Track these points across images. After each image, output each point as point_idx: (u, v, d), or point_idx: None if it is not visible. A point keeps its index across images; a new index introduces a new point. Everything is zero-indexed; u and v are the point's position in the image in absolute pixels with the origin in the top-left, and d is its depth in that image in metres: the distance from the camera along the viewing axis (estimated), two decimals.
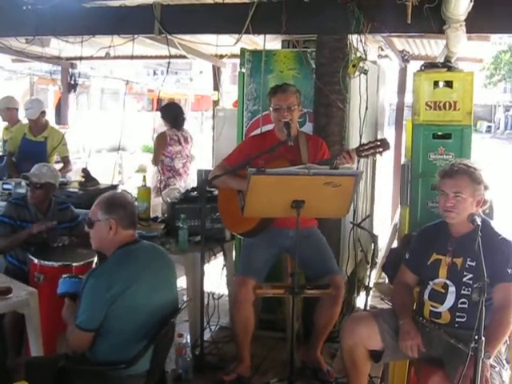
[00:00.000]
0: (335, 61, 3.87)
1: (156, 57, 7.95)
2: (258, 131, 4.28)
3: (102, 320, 2.48)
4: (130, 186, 6.91)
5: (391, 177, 7.12)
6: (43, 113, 5.56)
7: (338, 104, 3.91)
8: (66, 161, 5.59)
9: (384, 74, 5.72)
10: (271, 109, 3.53)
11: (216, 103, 8.31)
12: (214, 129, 8.14)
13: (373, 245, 3.93)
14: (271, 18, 3.95)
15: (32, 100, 5.86)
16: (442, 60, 4.18)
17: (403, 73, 7.00)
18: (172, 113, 5.95)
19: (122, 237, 2.66)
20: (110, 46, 4.70)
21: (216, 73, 8.27)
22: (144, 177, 4.47)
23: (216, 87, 8.35)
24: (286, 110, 3.46)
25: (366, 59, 3.87)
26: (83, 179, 4.68)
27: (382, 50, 6.04)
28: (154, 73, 27.47)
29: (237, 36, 4.27)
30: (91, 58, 6.40)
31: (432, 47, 6.25)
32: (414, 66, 6.59)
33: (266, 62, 4.31)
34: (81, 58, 5.75)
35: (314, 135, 3.79)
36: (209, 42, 5.02)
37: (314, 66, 4.13)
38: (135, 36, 4.47)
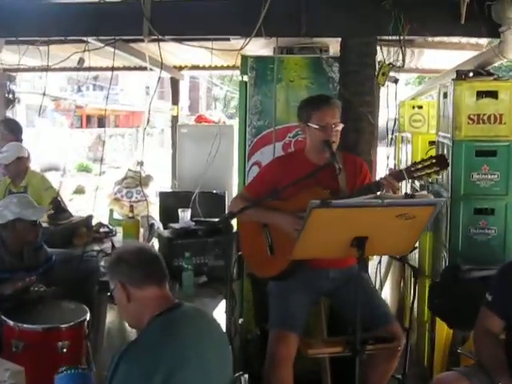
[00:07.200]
0: (365, 68, 3.32)
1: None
2: (269, 148, 3.69)
3: None
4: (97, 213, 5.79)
5: None
6: (20, 159, 4.52)
7: (369, 118, 3.36)
8: (56, 205, 4.30)
9: None
10: (313, 126, 2.88)
11: (175, 119, 7.62)
12: (174, 147, 7.46)
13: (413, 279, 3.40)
14: (288, 18, 3.35)
15: (11, 144, 4.73)
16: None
17: None
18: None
19: (145, 302, 1.95)
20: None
21: (175, 85, 7.58)
22: (131, 206, 3.71)
23: (175, 101, 7.65)
24: (333, 129, 2.86)
25: (403, 66, 3.34)
26: (52, 211, 3.86)
27: None
28: (79, 89, 26.25)
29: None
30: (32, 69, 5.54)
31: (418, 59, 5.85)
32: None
33: (273, 70, 3.72)
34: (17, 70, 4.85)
35: (353, 155, 3.20)
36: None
37: (330, 74, 3.59)
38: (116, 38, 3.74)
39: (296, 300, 2.88)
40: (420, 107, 6.09)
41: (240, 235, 3.10)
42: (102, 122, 27.98)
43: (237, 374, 2.14)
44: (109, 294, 2.06)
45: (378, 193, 2.71)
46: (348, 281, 2.92)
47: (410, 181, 4.30)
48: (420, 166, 2.78)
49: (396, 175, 2.80)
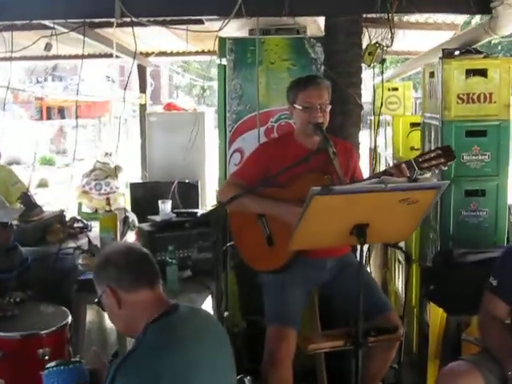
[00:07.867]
0: (352, 47, 3.19)
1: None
2: (250, 134, 3.53)
3: None
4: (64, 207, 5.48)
5: None
6: None
7: (356, 99, 3.23)
8: (27, 200, 3.91)
9: None
10: (298, 107, 2.75)
11: (143, 107, 7.37)
12: (143, 136, 7.23)
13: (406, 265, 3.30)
14: None
15: None
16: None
17: None
18: None
19: (139, 306, 1.77)
20: None
21: (142, 73, 7.33)
22: (107, 199, 3.51)
23: (143, 89, 7.39)
24: (318, 110, 2.72)
25: (391, 45, 3.22)
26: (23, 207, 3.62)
27: None
28: (37, 80, 25.51)
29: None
30: None
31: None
32: None
33: (253, 52, 3.55)
34: None
35: (342, 139, 3.06)
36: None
37: (313, 55, 3.45)
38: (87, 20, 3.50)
39: (294, 293, 2.74)
40: (395, 89, 6.03)
41: (233, 226, 2.93)
42: (62, 114, 27.28)
43: (239, 377, 2.00)
44: (96, 300, 1.87)
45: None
46: (343, 269, 2.81)
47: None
48: (427, 156, 2.67)
49: (406, 165, 2.68)
